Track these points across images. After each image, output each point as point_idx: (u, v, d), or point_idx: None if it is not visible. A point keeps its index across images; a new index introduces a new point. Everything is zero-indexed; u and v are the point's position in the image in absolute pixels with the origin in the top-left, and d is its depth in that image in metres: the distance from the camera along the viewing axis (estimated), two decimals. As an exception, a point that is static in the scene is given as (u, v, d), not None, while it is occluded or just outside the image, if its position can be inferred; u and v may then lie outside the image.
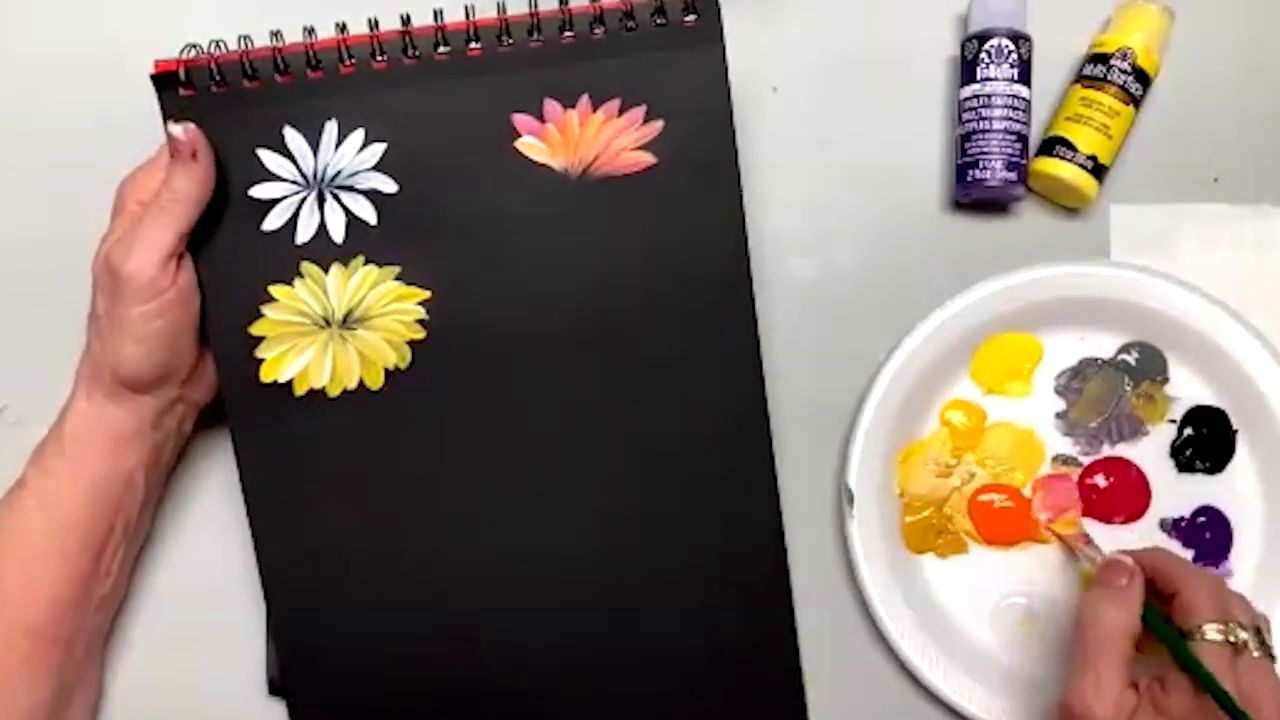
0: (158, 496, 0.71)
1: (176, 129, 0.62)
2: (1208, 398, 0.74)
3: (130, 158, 0.67)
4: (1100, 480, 0.74)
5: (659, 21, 0.64)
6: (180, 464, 0.73)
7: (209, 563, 0.73)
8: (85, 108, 0.76)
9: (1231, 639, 0.60)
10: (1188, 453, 0.74)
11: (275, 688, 0.71)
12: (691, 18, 0.64)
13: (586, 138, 0.65)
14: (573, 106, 0.65)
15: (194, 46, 0.63)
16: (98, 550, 0.66)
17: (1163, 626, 0.61)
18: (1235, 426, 0.73)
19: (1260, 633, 0.61)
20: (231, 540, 0.71)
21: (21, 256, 0.76)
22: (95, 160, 0.72)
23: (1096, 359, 0.74)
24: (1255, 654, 0.60)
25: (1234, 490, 0.73)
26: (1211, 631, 0.60)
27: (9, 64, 0.78)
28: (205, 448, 0.73)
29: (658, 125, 0.65)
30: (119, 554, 0.68)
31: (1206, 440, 0.73)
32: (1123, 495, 0.73)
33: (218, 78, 0.63)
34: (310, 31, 0.63)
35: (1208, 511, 0.73)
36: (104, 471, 0.66)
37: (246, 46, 0.63)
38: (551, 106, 0.65)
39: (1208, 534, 0.73)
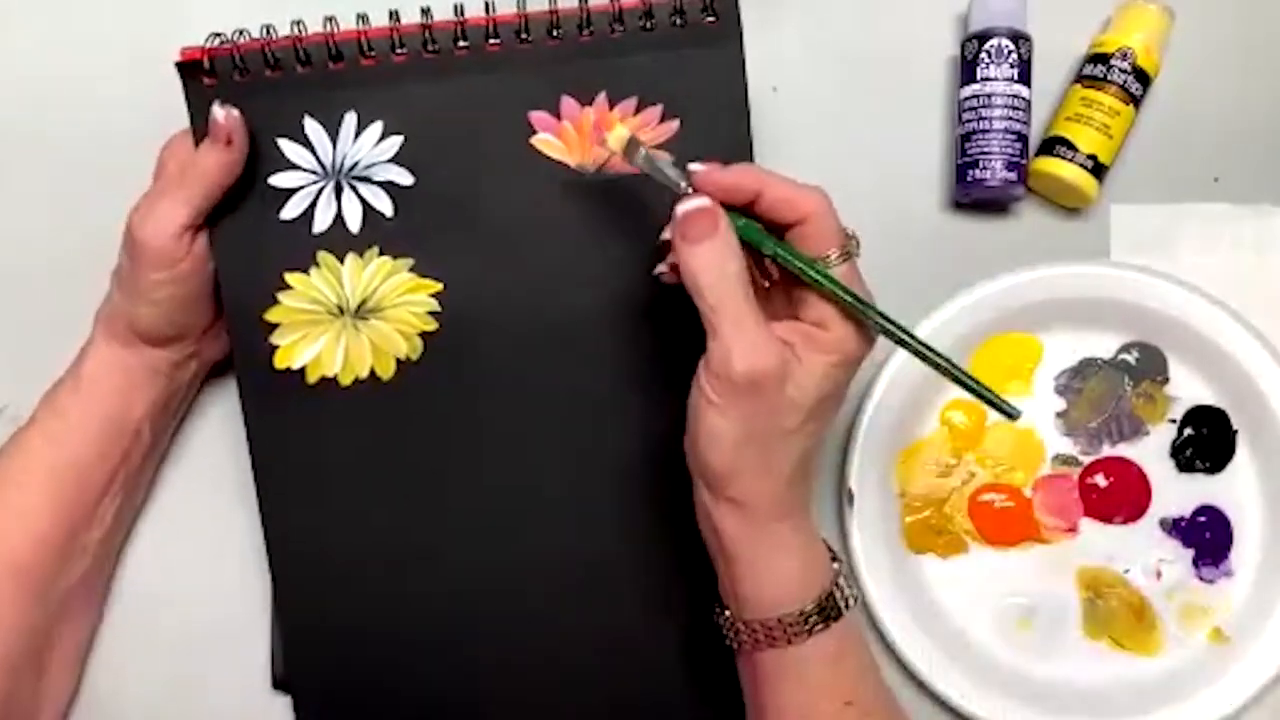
0: (161, 451, 0.72)
1: (219, 111, 0.62)
2: (1208, 398, 0.74)
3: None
4: (1100, 480, 0.74)
5: (677, 21, 0.65)
6: (189, 455, 0.73)
7: (215, 557, 0.73)
8: (86, 106, 0.76)
9: (849, 249, 0.57)
10: (1188, 453, 0.74)
11: (279, 682, 0.71)
12: (710, 19, 0.65)
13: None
14: (589, 104, 0.65)
15: (218, 35, 0.63)
16: (96, 495, 0.67)
17: (794, 256, 0.56)
18: (1235, 426, 0.74)
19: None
20: (236, 537, 0.71)
21: (21, 256, 0.75)
22: (96, 159, 0.72)
23: (1096, 359, 0.75)
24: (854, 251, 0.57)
25: (1234, 490, 0.74)
26: (835, 257, 0.56)
27: (9, 62, 0.77)
28: (214, 437, 0.74)
29: (674, 124, 0.66)
30: (116, 503, 0.68)
31: (1206, 440, 0.74)
32: (1123, 495, 0.74)
33: (240, 67, 0.64)
34: (332, 22, 0.63)
35: (1208, 511, 0.74)
36: (114, 414, 0.66)
37: (269, 36, 0.63)
38: (568, 104, 0.65)
39: (1208, 534, 0.74)
